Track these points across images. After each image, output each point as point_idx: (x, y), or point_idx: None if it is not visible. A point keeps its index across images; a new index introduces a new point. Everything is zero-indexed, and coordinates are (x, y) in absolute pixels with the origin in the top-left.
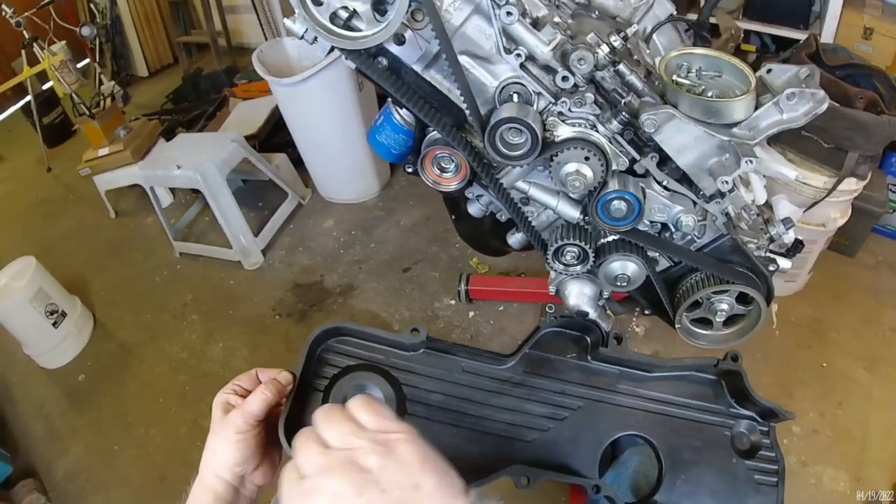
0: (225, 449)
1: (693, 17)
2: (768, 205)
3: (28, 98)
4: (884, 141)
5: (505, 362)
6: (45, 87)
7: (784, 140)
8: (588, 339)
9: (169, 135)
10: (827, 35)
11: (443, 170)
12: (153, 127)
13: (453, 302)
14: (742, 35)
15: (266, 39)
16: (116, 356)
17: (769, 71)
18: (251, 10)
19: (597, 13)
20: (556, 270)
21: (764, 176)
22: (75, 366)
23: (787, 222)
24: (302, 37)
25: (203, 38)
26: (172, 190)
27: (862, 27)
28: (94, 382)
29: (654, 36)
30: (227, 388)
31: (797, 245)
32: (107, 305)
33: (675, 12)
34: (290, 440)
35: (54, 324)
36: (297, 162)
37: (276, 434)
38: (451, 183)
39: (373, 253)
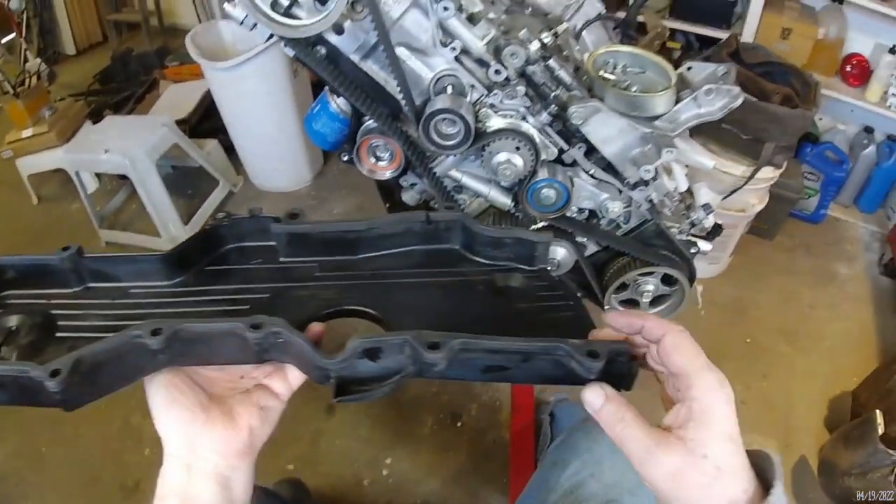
0: None
1: (622, 15)
2: (690, 192)
3: None
4: (798, 132)
5: (174, 277)
6: None
7: (706, 132)
8: (275, 244)
9: (96, 117)
10: (748, 35)
11: (378, 158)
12: (80, 108)
13: None
14: (668, 33)
15: (199, 21)
16: None
17: (689, 68)
18: None
19: (530, 10)
20: None
21: (686, 165)
22: None
23: (707, 208)
24: (242, 22)
25: (134, 17)
26: (99, 175)
27: (781, 28)
28: None
29: (584, 33)
30: None
31: (717, 229)
32: None
33: (604, 11)
34: None
35: None
36: (229, 148)
37: None
38: (385, 171)
39: None
